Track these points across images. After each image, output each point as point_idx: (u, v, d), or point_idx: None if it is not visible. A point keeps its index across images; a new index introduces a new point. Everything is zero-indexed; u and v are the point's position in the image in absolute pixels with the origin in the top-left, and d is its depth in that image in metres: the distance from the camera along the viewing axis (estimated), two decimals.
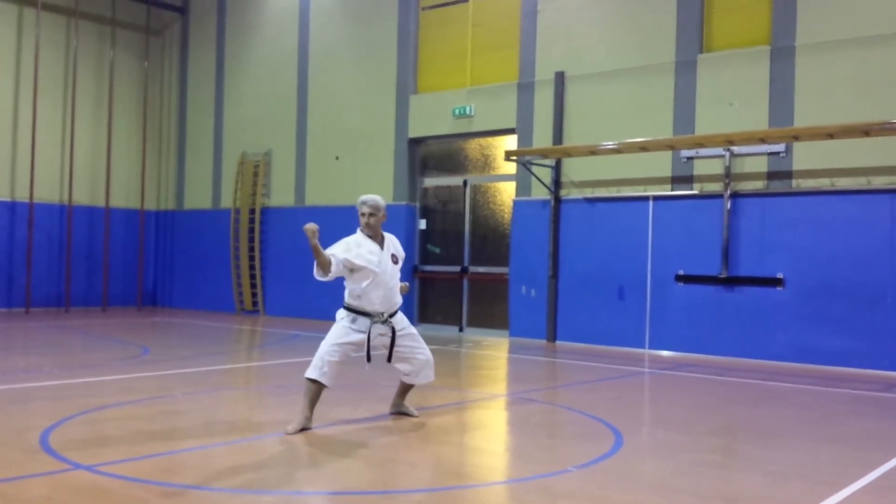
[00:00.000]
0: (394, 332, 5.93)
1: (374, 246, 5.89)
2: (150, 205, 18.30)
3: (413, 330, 6.18)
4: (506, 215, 13.40)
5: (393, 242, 6.14)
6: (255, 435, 5.68)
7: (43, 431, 5.48)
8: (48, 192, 16.42)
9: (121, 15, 17.50)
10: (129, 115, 17.83)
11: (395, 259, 6.03)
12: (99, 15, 17.27)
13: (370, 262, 5.81)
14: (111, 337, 12.02)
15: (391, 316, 5.93)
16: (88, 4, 17.04)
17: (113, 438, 5.47)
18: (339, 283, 6.12)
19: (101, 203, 17.16)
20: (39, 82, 16.03)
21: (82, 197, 16.93)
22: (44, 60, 16.22)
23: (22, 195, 15.98)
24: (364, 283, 5.81)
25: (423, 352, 6.15)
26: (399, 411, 6.40)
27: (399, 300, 6.05)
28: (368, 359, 5.84)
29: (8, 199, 15.87)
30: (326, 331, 6.00)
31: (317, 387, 5.79)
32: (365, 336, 5.83)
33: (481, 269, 13.72)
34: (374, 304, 5.84)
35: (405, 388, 6.36)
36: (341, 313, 5.96)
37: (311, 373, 5.79)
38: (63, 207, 16.60)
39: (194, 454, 5.08)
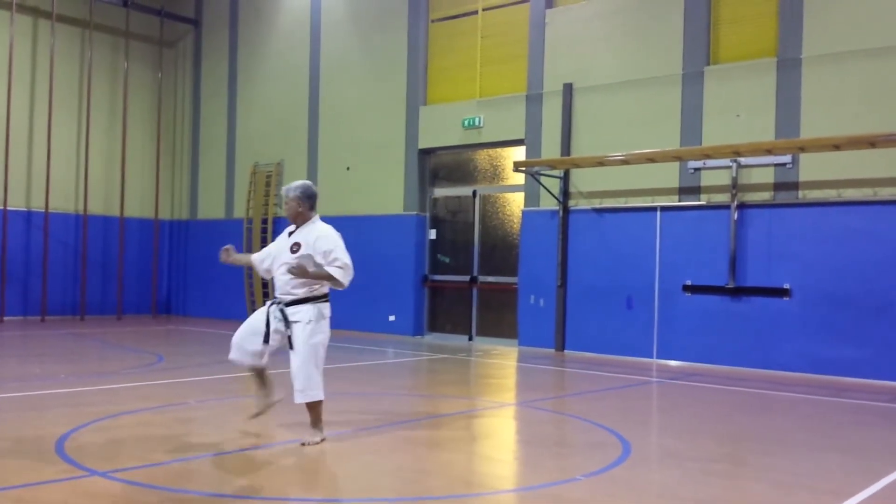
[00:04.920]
0: (287, 322, 5.64)
1: (287, 233, 5.87)
2: (164, 214, 18.46)
3: (303, 337, 5.57)
4: (515, 225, 13.48)
5: (313, 231, 5.73)
6: (267, 442, 5.77)
7: (59, 438, 5.57)
8: (63, 201, 16.60)
9: (134, 27, 17.69)
10: (142, 126, 18.02)
11: (294, 247, 5.70)
12: (113, 27, 17.46)
13: (270, 248, 5.98)
14: (126, 345, 12.14)
15: (287, 305, 5.64)
16: (102, 16, 17.24)
17: (128, 445, 5.55)
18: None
19: (115, 213, 17.32)
20: (54, 93, 16.21)
21: (97, 206, 17.10)
22: (59, 71, 16.41)
23: (38, 205, 16.15)
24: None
25: (294, 367, 5.60)
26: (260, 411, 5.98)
27: (296, 291, 5.63)
28: (266, 339, 5.64)
29: (24, 208, 16.05)
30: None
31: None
32: (265, 316, 5.69)
33: (490, 279, 13.79)
34: (276, 287, 5.78)
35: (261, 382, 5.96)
36: None
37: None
38: (78, 217, 16.78)
39: (208, 461, 5.16)
